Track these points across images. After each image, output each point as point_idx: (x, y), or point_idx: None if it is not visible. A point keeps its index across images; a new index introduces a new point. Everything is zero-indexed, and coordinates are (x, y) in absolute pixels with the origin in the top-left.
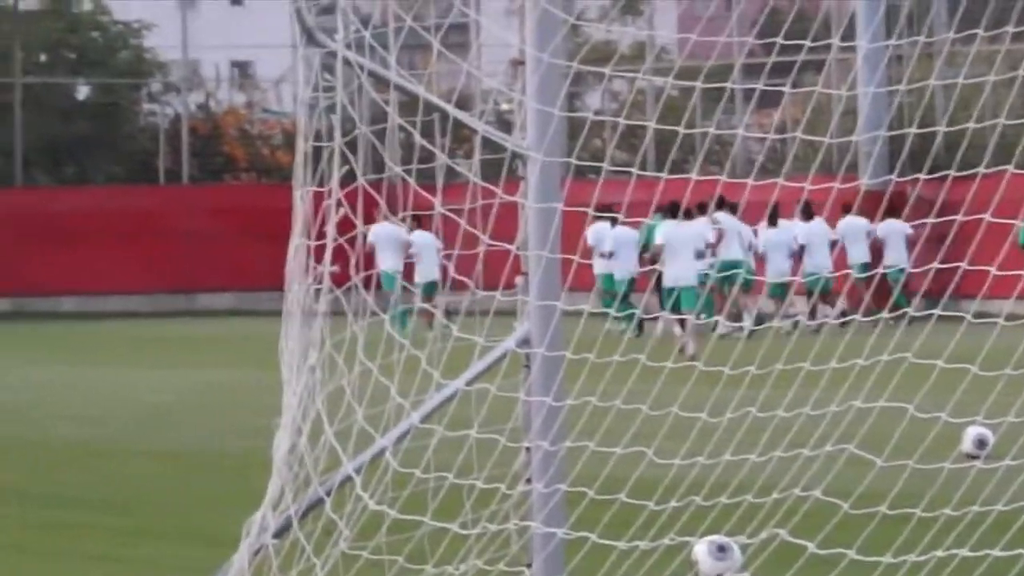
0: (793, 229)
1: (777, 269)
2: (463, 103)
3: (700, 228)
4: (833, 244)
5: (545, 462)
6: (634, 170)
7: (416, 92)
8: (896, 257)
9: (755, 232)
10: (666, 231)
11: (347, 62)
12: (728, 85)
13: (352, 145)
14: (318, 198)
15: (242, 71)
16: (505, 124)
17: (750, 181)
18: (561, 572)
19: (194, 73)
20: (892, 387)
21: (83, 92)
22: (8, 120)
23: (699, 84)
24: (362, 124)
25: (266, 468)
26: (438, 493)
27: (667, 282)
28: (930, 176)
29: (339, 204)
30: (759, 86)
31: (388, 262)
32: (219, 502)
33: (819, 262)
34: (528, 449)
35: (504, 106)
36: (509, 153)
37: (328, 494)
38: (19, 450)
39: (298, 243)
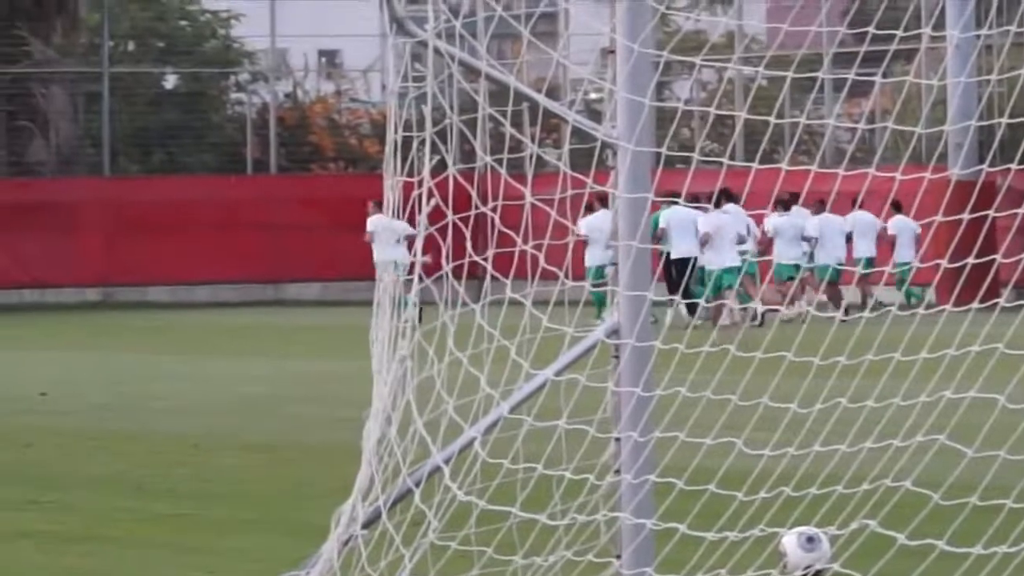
0: (804, 217)
1: (787, 254)
2: (552, 92)
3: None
4: (848, 237)
5: (634, 453)
6: (724, 160)
7: (506, 81)
8: (905, 254)
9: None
10: (709, 218)
11: (437, 52)
12: (818, 75)
13: (442, 135)
14: (408, 188)
15: (330, 60)
16: (595, 114)
17: (840, 171)
18: (650, 563)
19: (282, 62)
20: (983, 378)
21: (171, 81)
22: (97, 109)
23: (789, 74)
24: (452, 113)
25: (355, 459)
26: (527, 484)
27: (710, 265)
28: (1021, 166)
29: (429, 194)
30: (850, 75)
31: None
32: (309, 493)
33: (832, 254)
34: (617, 440)
35: (593, 95)
36: (599, 143)
37: (417, 485)
38: (122, 441)
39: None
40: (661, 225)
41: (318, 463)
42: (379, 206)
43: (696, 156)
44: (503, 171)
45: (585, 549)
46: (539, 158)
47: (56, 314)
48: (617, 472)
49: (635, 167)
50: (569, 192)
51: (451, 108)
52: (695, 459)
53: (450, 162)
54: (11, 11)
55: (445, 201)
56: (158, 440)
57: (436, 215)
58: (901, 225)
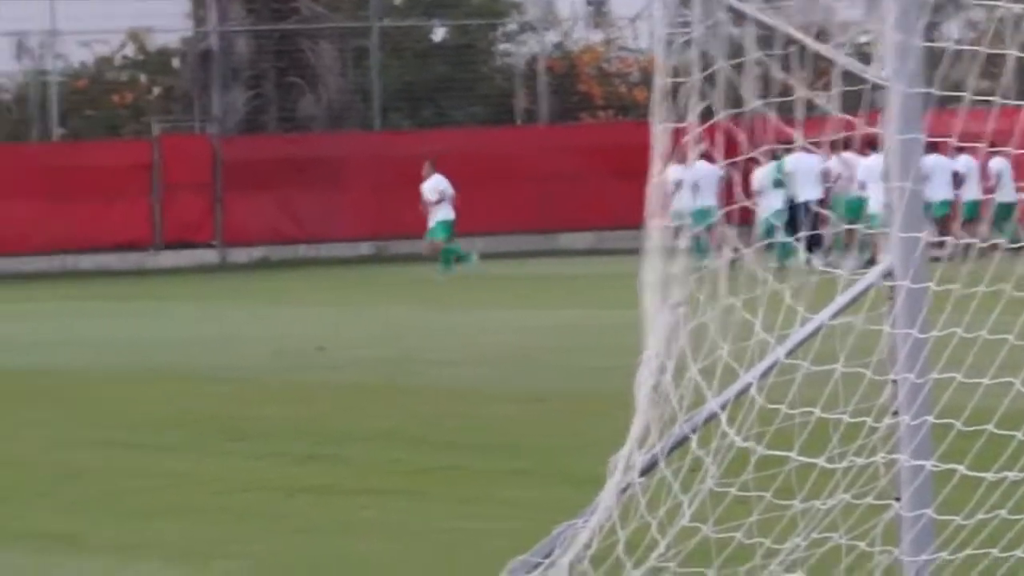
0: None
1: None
2: (821, 35)
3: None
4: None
5: (912, 394)
6: (996, 99)
7: (774, 25)
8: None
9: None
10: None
11: None
12: None
13: (710, 80)
14: (677, 134)
15: (597, 9)
16: (864, 57)
17: None
18: (929, 505)
19: (550, 12)
20: None
21: (439, 34)
22: (365, 64)
23: None
24: (720, 59)
25: (628, 408)
26: (804, 428)
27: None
28: None
29: (698, 140)
30: None
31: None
32: (583, 443)
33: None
34: (894, 382)
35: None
36: (869, 85)
37: (694, 431)
38: (397, 394)
39: (657, 180)
40: (787, 170)
41: (592, 412)
42: None
43: (969, 96)
44: (772, 115)
45: (864, 492)
46: (809, 102)
47: (330, 268)
48: (895, 414)
49: (906, 109)
50: (840, 135)
51: (718, 54)
52: (972, 400)
53: (716, 108)
54: None
55: (714, 147)
56: (433, 392)
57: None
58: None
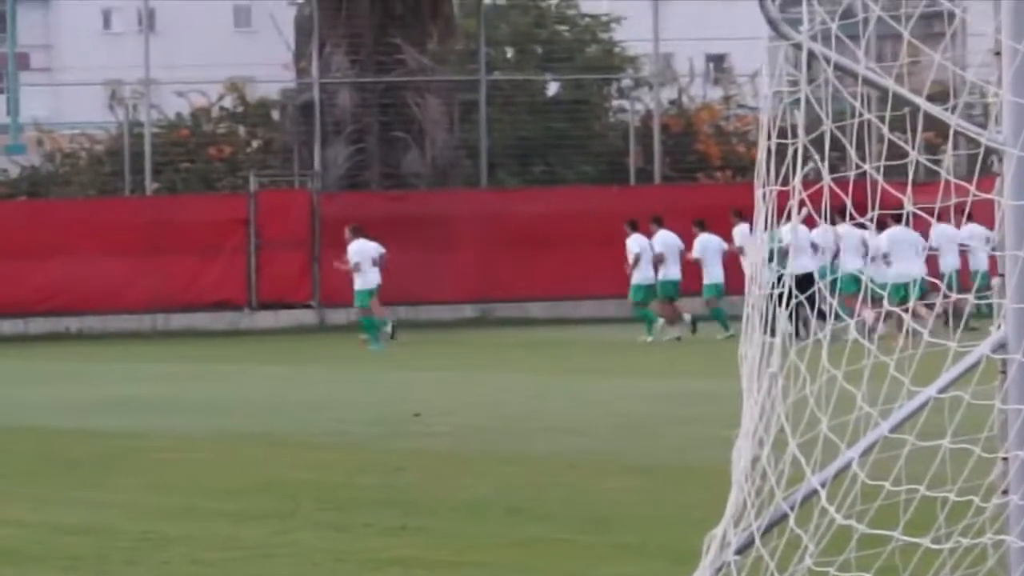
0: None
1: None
2: (937, 96)
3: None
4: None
5: (1023, 472)
6: None
7: (886, 86)
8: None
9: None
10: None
11: (812, 55)
12: None
13: (817, 142)
14: (782, 197)
15: (717, 65)
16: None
17: None
18: None
19: (667, 67)
20: None
21: (551, 88)
22: (473, 119)
23: None
24: (827, 120)
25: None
26: (909, 506)
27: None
28: None
29: (801, 203)
30: None
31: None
32: (691, 517)
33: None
34: (1005, 459)
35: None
36: (982, 148)
37: (792, 508)
38: (496, 463)
39: (759, 244)
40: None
41: (700, 485)
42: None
43: None
44: (880, 179)
45: (971, 573)
46: (918, 165)
47: (431, 332)
48: (1004, 493)
49: (1021, 173)
50: (952, 200)
51: (826, 114)
52: None
53: (824, 170)
54: (385, 19)
55: (818, 211)
56: (534, 462)
57: (810, 225)
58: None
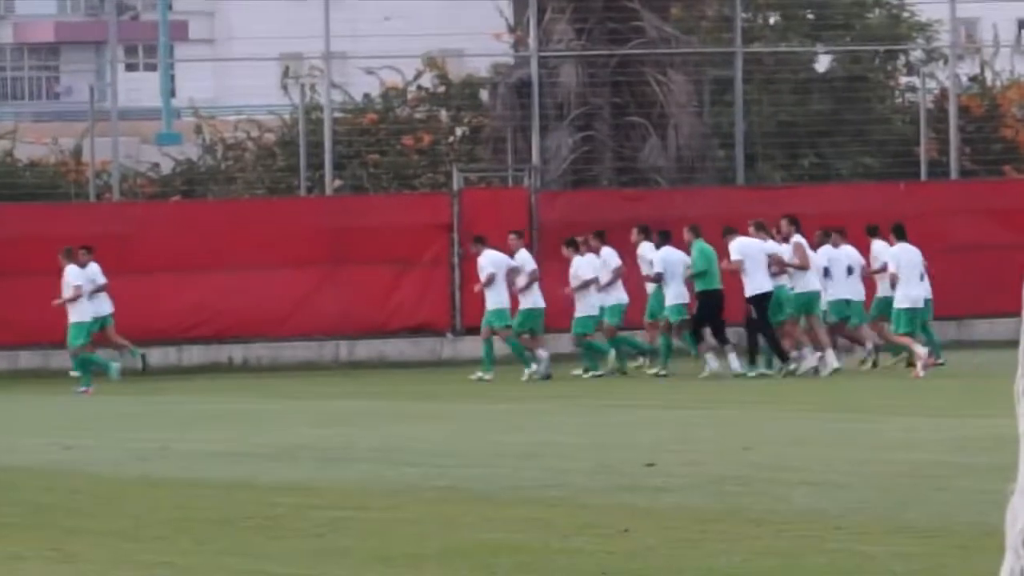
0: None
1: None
2: None
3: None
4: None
5: None
6: None
7: None
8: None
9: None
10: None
11: None
12: None
13: None
14: None
15: None
16: None
17: None
18: None
19: (966, 37)
20: None
21: (823, 63)
22: (727, 100)
23: None
24: None
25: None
26: None
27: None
28: None
29: None
30: None
31: None
32: None
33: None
34: None
35: None
36: None
37: None
38: (742, 524)
39: None
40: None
41: (987, 548)
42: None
43: None
44: None
45: None
46: None
47: (672, 361)
48: None
49: None
50: None
51: None
52: None
53: None
54: None
55: None
56: (789, 522)
57: None
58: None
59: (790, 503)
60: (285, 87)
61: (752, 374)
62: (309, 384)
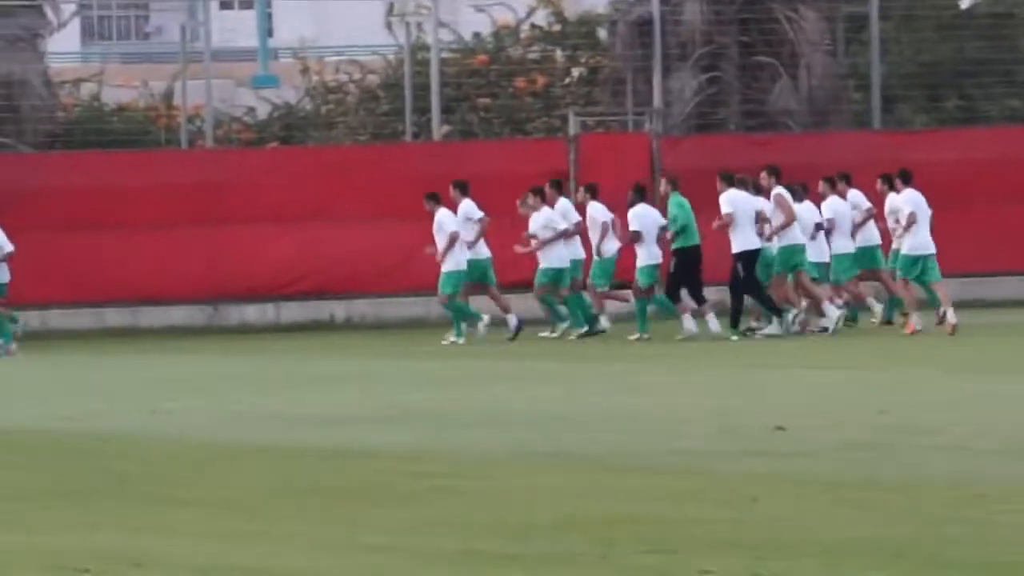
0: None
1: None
2: None
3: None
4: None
5: None
6: None
7: None
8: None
9: None
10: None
11: None
12: None
13: None
14: None
15: None
16: None
17: None
18: None
19: None
20: None
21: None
22: (864, 39)
23: None
24: None
25: None
26: None
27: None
28: None
29: None
30: None
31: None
32: None
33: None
34: None
35: None
36: None
37: None
38: (878, 492)
39: None
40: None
41: None
42: None
43: None
44: None
45: None
46: None
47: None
48: None
49: None
50: None
51: None
52: None
53: None
54: None
55: None
56: (926, 490)
57: None
58: None
59: (929, 469)
60: (390, 26)
61: (734, 337)
62: (416, 343)
